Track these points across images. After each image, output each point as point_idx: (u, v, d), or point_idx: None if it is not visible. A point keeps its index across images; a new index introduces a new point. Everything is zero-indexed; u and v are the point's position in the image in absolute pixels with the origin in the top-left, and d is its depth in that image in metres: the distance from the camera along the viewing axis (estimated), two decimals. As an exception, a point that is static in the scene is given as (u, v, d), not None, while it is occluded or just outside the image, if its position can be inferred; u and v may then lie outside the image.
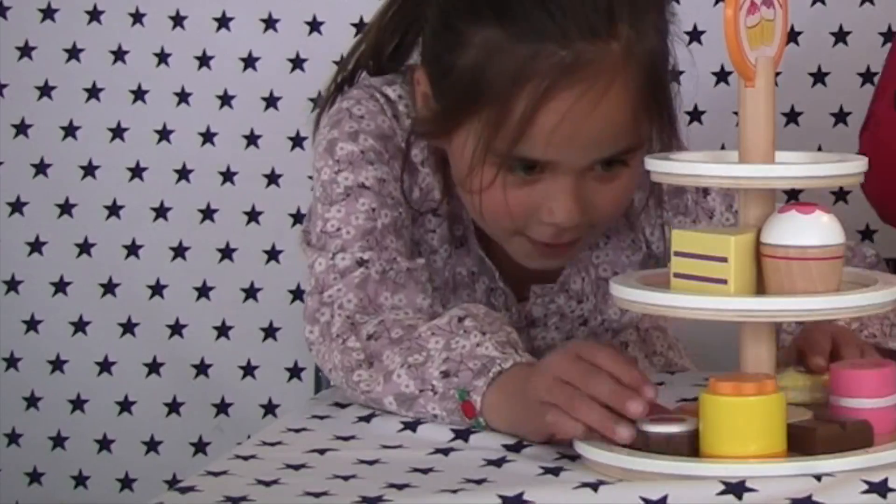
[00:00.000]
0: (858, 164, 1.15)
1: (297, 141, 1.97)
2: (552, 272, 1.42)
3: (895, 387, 1.16)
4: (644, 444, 1.10)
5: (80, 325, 2.04)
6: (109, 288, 2.02)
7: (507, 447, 1.18)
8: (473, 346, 1.22)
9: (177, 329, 2.02)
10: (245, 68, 1.96)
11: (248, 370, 2.01)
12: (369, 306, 1.30)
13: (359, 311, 1.29)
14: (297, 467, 1.14)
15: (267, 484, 1.10)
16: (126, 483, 2.03)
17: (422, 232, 1.39)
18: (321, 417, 1.27)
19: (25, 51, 2.01)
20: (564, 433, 1.13)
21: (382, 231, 1.33)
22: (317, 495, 1.07)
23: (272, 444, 1.20)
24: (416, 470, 1.13)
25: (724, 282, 1.12)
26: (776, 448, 1.09)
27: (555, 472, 1.12)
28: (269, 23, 1.96)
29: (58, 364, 2.04)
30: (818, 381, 1.21)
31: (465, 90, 1.28)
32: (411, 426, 1.23)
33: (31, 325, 2.05)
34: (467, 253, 1.40)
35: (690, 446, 1.10)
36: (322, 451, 1.18)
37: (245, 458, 1.16)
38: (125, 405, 2.03)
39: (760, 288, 1.13)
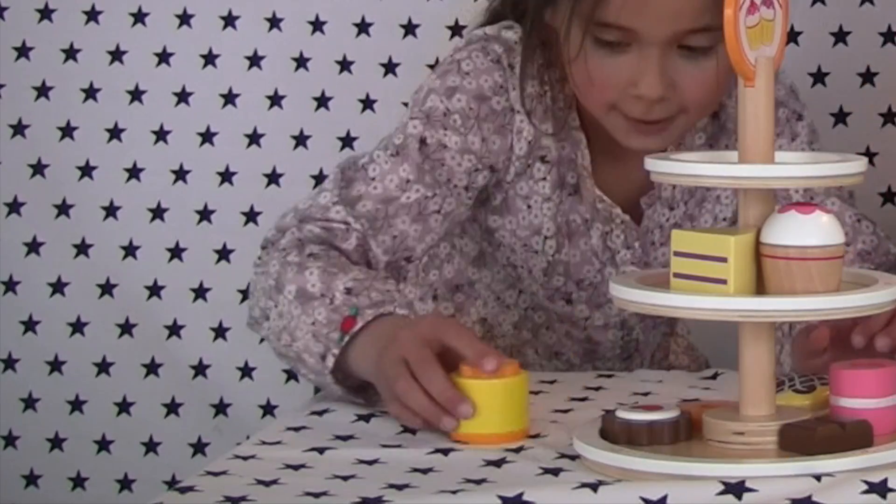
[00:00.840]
0: (858, 165, 1.15)
1: (300, 139, 1.97)
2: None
3: (895, 387, 1.17)
4: (626, 433, 1.13)
5: (77, 326, 2.03)
6: (107, 289, 2.02)
7: (508, 448, 1.18)
8: (384, 283, 1.30)
9: (175, 330, 2.01)
10: (250, 67, 1.96)
11: (246, 371, 2.01)
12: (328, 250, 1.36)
13: (315, 242, 1.36)
14: (296, 467, 1.14)
15: (266, 484, 1.10)
16: (125, 484, 2.03)
17: (531, 183, 1.43)
18: (320, 416, 1.27)
19: (23, 51, 2.01)
20: (405, 422, 1.22)
21: (399, 208, 1.37)
22: (316, 495, 1.07)
23: (271, 444, 1.20)
24: (415, 470, 1.13)
25: (724, 282, 1.12)
26: (516, 427, 1.18)
27: (554, 472, 1.11)
28: (274, 22, 1.96)
29: (56, 365, 2.04)
30: (818, 399, 1.20)
31: None
32: (410, 429, 1.23)
33: (30, 325, 2.04)
34: (580, 200, 1.45)
35: (672, 434, 1.13)
36: (321, 451, 1.18)
37: (244, 458, 1.16)
38: (123, 406, 2.03)
39: (760, 288, 1.13)
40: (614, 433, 1.14)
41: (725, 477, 1.06)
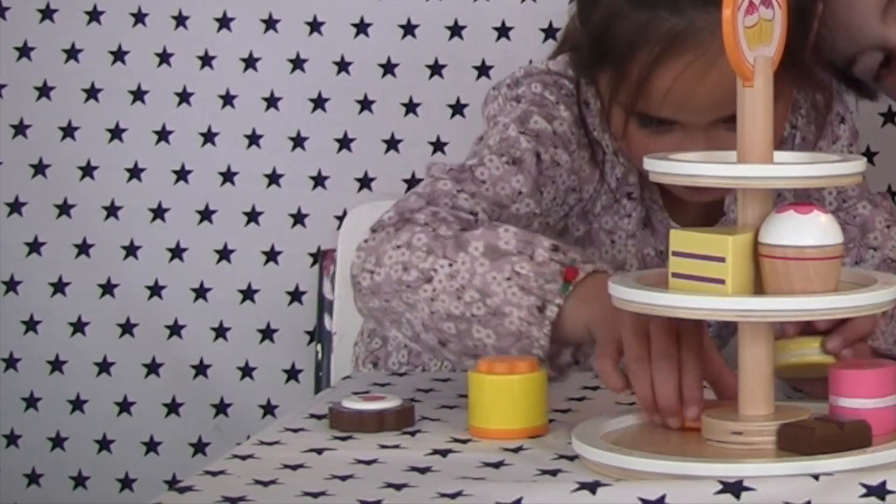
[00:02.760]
0: (857, 164, 1.15)
1: (298, 141, 1.97)
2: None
3: (894, 387, 1.16)
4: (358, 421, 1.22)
5: (79, 326, 2.04)
6: (108, 288, 2.02)
7: (505, 449, 1.18)
8: (580, 253, 1.26)
9: (175, 330, 2.02)
10: (246, 68, 1.96)
11: (247, 371, 2.01)
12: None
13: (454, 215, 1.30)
14: (294, 467, 1.14)
15: (265, 484, 1.10)
16: (126, 483, 2.03)
17: (616, 219, 1.44)
18: (319, 417, 1.27)
19: (24, 51, 2.01)
20: (606, 383, 1.19)
21: (510, 216, 1.34)
22: (315, 495, 1.07)
23: (270, 444, 1.20)
24: (413, 469, 1.13)
25: (722, 282, 1.12)
26: (532, 423, 1.19)
27: (553, 472, 1.11)
28: (270, 23, 1.96)
29: (57, 364, 2.04)
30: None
31: (594, 44, 1.35)
32: (410, 432, 1.23)
33: (31, 325, 2.05)
34: (652, 233, 1.46)
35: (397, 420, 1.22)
36: (320, 451, 1.18)
37: (243, 458, 1.16)
38: (124, 406, 2.03)
39: (758, 288, 1.13)
40: (343, 422, 1.21)
41: (724, 477, 1.06)
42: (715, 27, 1.27)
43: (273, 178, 1.98)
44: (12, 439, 2.04)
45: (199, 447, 2.02)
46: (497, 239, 1.25)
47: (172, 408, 2.02)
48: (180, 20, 1.97)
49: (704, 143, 1.35)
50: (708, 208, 1.46)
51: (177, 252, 2.01)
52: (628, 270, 1.44)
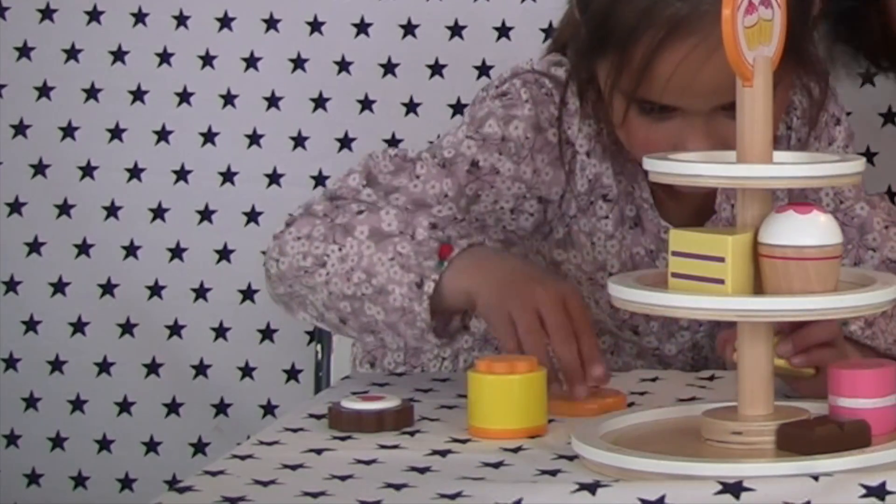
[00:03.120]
0: (856, 164, 1.15)
1: (299, 141, 1.97)
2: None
3: (894, 387, 1.17)
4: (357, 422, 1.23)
5: (79, 326, 2.04)
6: (108, 288, 2.02)
7: (505, 449, 1.18)
8: (461, 224, 1.35)
9: (175, 330, 2.02)
10: (247, 68, 1.96)
11: (247, 371, 2.01)
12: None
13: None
14: (294, 467, 1.14)
15: (264, 484, 1.10)
16: (126, 483, 2.03)
17: (594, 221, 1.45)
18: (318, 417, 1.27)
19: (24, 51, 2.01)
20: (505, 349, 1.26)
21: (426, 216, 1.36)
22: (314, 495, 1.07)
23: (269, 444, 1.20)
24: (413, 469, 1.13)
25: (722, 282, 1.12)
26: (532, 423, 1.20)
27: (552, 472, 1.11)
28: (271, 23, 1.96)
29: (57, 364, 2.04)
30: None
31: (595, 31, 1.35)
32: (409, 432, 1.23)
33: (31, 325, 2.04)
34: (642, 232, 1.46)
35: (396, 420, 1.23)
36: (319, 452, 1.18)
37: (242, 458, 1.16)
38: (124, 406, 2.03)
39: (758, 288, 1.13)
40: (342, 422, 1.22)
41: (723, 477, 1.06)
42: (718, 12, 1.27)
43: (274, 178, 1.98)
44: (12, 439, 2.04)
45: (199, 447, 2.02)
46: (380, 222, 1.32)
47: (172, 408, 2.02)
48: (181, 20, 1.97)
49: (704, 131, 1.35)
50: (698, 208, 1.46)
51: (177, 252, 2.01)
52: (610, 272, 1.44)
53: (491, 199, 1.40)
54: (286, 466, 1.14)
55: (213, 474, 1.12)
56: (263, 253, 2.01)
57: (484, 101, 1.45)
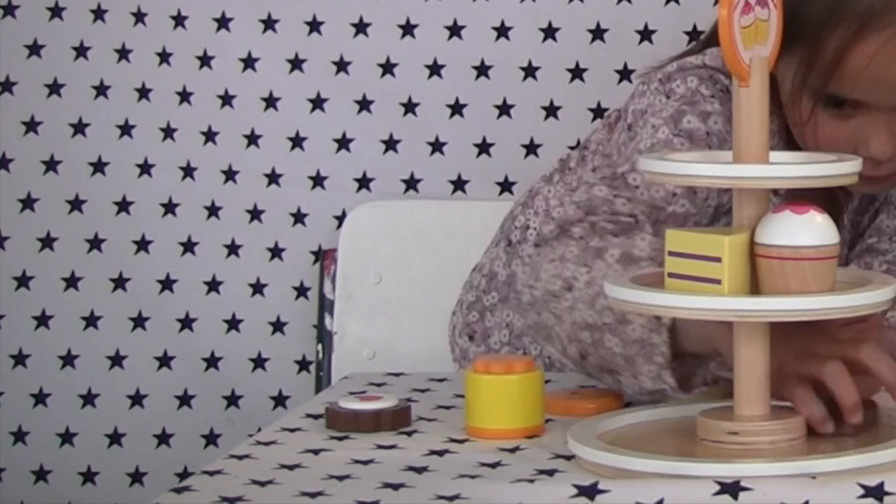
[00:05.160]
0: (853, 165, 1.15)
1: (297, 141, 1.97)
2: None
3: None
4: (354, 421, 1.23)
5: (91, 320, 2.05)
6: (120, 283, 2.03)
7: (502, 449, 1.18)
8: (669, 212, 1.33)
9: (187, 323, 2.03)
10: (244, 69, 1.96)
11: (258, 363, 2.02)
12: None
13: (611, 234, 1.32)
14: (291, 467, 1.14)
15: (262, 484, 1.10)
16: (136, 477, 2.04)
17: None
18: (315, 417, 1.28)
19: (34, 48, 2.02)
20: (807, 413, 1.15)
21: (668, 216, 1.36)
22: (312, 495, 1.07)
23: (267, 444, 1.21)
24: (410, 469, 1.13)
25: (718, 282, 1.12)
26: (529, 423, 1.19)
27: (549, 473, 1.12)
28: (269, 23, 1.96)
29: (69, 359, 2.05)
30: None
31: (787, 23, 1.31)
32: (406, 432, 1.24)
33: (42, 320, 2.06)
34: None
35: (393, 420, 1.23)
36: (317, 452, 1.18)
37: (240, 458, 1.17)
38: (136, 399, 2.04)
39: (754, 288, 1.13)
40: (340, 422, 1.22)
41: (721, 477, 1.06)
42: None
43: (273, 178, 1.98)
44: (20, 436, 2.05)
45: (211, 439, 2.03)
46: (633, 247, 1.28)
47: (184, 400, 2.03)
48: (179, 20, 1.97)
49: (887, 129, 1.36)
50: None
51: (188, 246, 2.01)
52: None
53: (703, 195, 1.39)
54: (284, 466, 1.14)
55: (211, 474, 1.13)
56: (270, 250, 2.05)
57: (646, 95, 1.43)
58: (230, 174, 1.99)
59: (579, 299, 1.25)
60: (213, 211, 2.00)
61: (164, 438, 2.04)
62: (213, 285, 2.01)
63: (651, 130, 1.40)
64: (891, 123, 1.37)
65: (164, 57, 1.98)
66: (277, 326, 2.00)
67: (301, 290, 1.98)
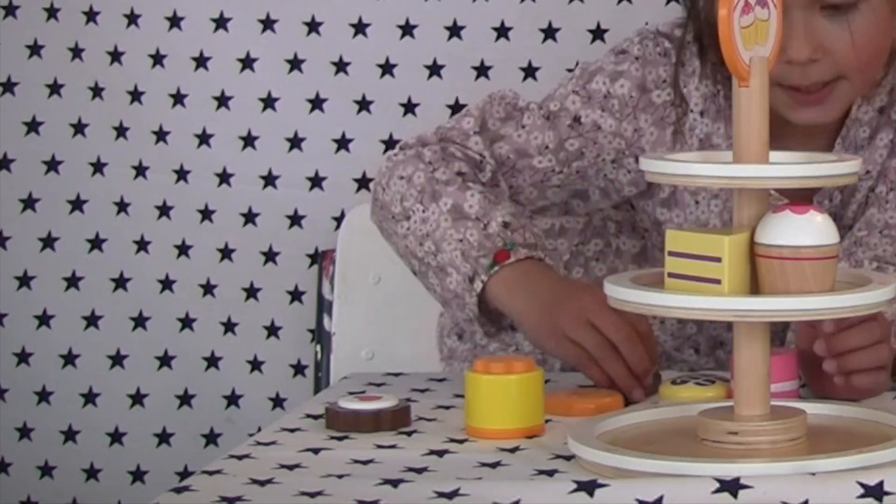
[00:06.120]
0: (852, 165, 1.14)
1: (295, 142, 1.97)
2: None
3: (795, 372, 1.23)
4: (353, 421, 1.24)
5: (92, 320, 2.05)
6: (120, 283, 2.04)
7: (502, 448, 1.18)
8: (534, 229, 1.41)
9: (187, 323, 2.03)
10: (242, 69, 1.96)
11: (255, 365, 2.02)
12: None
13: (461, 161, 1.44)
14: (291, 467, 1.15)
15: (262, 483, 1.10)
16: (137, 476, 2.05)
17: None
18: (315, 417, 1.28)
19: (35, 49, 2.02)
20: (594, 381, 1.31)
21: (527, 167, 1.43)
22: (312, 495, 1.07)
23: (267, 444, 1.21)
24: (410, 469, 1.13)
25: (718, 282, 1.12)
26: (528, 423, 1.21)
27: (549, 473, 1.12)
28: (267, 23, 1.95)
29: (70, 358, 2.06)
30: (718, 392, 1.26)
31: None
32: (406, 432, 1.24)
33: (44, 320, 2.06)
34: None
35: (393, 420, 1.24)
36: (316, 451, 1.19)
37: (240, 458, 1.17)
38: (137, 398, 2.05)
39: (754, 288, 1.13)
40: (339, 422, 1.23)
41: (720, 476, 1.06)
42: None
43: (269, 180, 1.98)
44: (25, 432, 2.06)
45: (212, 438, 2.03)
46: (464, 201, 1.39)
47: (185, 399, 2.03)
48: (174, 21, 1.96)
49: (803, 28, 1.37)
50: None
51: (183, 249, 2.01)
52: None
53: (594, 154, 1.45)
54: (283, 466, 1.15)
55: (211, 474, 1.13)
56: (264, 254, 2.05)
57: (609, 55, 1.48)
58: (224, 177, 1.98)
59: (412, 232, 1.40)
60: (206, 214, 2.00)
61: (164, 437, 2.04)
62: (210, 288, 2.01)
63: (564, 82, 1.47)
64: (807, 25, 1.37)
65: (157, 59, 1.97)
66: (272, 331, 2.00)
67: (296, 295, 1.98)
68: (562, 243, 1.54)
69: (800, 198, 1.39)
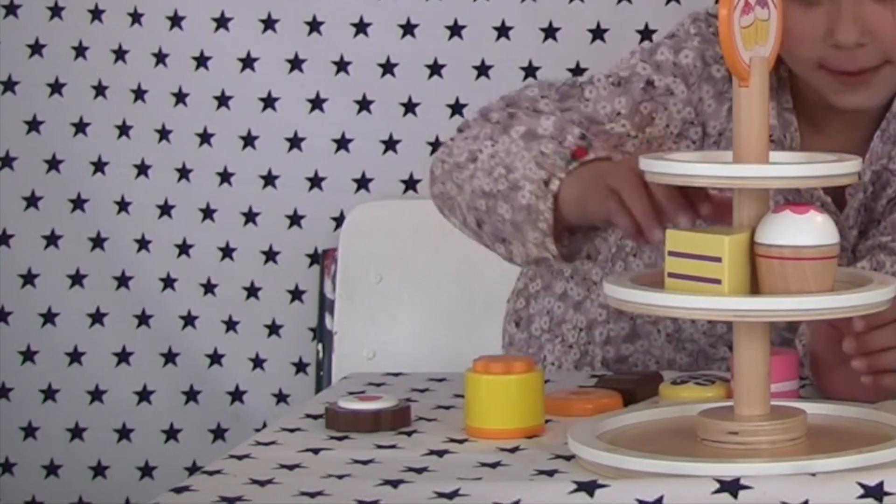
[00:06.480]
0: (853, 164, 1.14)
1: (295, 142, 1.97)
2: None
3: (796, 372, 1.22)
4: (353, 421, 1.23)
5: (96, 317, 2.05)
6: (123, 281, 2.04)
7: (502, 448, 1.19)
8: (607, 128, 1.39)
9: (189, 320, 2.03)
10: (243, 69, 1.96)
11: (258, 363, 2.02)
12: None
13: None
14: (291, 467, 1.15)
15: (262, 484, 1.11)
16: (146, 471, 2.05)
17: None
18: (315, 417, 1.28)
19: (36, 48, 2.03)
20: (616, 220, 1.24)
21: (600, 132, 1.40)
22: (312, 495, 1.07)
23: (266, 444, 1.21)
24: (410, 469, 1.13)
25: (718, 281, 1.12)
26: (529, 423, 1.20)
27: (549, 473, 1.12)
28: (269, 23, 1.96)
29: (75, 356, 2.06)
30: (718, 392, 1.25)
31: None
32: (406, 432, 1.24)
33: (48, 318, 2.06)
34: None
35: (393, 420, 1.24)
36: (316, 451, 1.19)
37: (239, 458, 1.17)
38: (143, 395, 2.05)
39: (755, 287, 1.13)
40: (339, 422, 1.23)
41: (720, 476, 1.06)
42: None
43: (269, 180, 1.98)
44: (30, 431, 2.06)
45: (219, 433, 2.03)
46: (538, 125, 1.35)
47: (191, 395, 2.04)
48: (175, 20, 1.97)
49: (851, 12, 1.36)
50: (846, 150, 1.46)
51: (184, 248, 2.02)
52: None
53: (664, 123, 1.44)
54: (283, 466, 1.15)
55: (211, 474, 1.13)
56: (264, 253, 2.05)
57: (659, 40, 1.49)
58: (225, 176, 1.98)
59: (480, 168, 1.34)
60: (207, 213, 2.00)
61: (172, 433, 2.05)
62: (211, 287, 2.01)
63: (627, 56, 1.46)
64: (856, 9, 1.37)
65: (159, 58, 1.98)
66: (273, 329, 2.00)
67: (296, 294, 1.98)
68: (610, 234, 1.51)
69: (830, 190, 1.42)
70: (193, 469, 1.99)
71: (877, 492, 1.04)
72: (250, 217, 1.99)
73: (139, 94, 1.99)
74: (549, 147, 1.32)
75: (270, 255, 1.99)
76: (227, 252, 2.00)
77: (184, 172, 2.00)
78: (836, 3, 1.37)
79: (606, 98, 1.43)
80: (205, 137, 1.99)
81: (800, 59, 1.40)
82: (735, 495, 1.04)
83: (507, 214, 1.32)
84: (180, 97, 1.98)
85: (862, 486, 1.05)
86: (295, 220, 1.97)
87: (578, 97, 1.43)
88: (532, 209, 1.30)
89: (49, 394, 2.06)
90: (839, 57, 1.38)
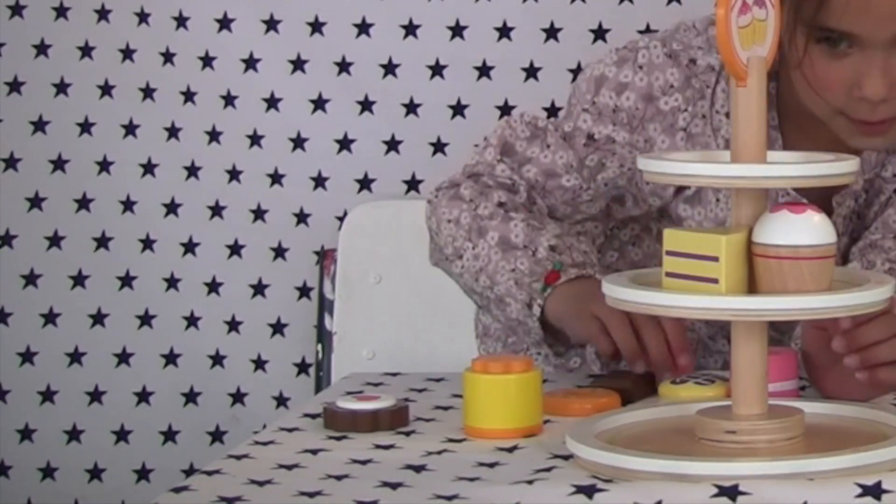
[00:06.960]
0: (851, 164, 1.15)
1: (298, 142, 1.97)
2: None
3: (794, 371, 1.23)
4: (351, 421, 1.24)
5: (98, 318, 2.05)
6: (126, 281, 2.04)
7: (500, 448, 1.19)
8: (580, 244, 1.43)
9: (192, 321, 2.03)
10: (246, 69, 1.97)
11: (259, 364, 2.02)
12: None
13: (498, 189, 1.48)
14: (290, 467, 1.15)
15: (260, 484, 1.11)
16: (142, 474, 2.05)
17: None
18: (313, 417, 1.28)
19: (41, 48, 2.03)
20: (599, 347, 1.34)
21: (557, 187, 1.47)
22: (311, 495, 1.08)
23: (265, 444, 1.21)
24: (409, 469, 1.13)
25: (716, 281, 1.12)
26: (527, 423, 1.21)
27: (547, 472, 1.12)
28: (271, 24, 1.96)
29: (76, 356, 2.06)
30: (718, 391, 1.26)
31: None
32: (404, 432, 1.24)
33: (50, 318, 2.06)
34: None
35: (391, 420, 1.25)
36: (315, 452, 1.19)
37: (238, 458, 1.17)
38: (143, 396, 2.05)
39: (752, 287, 1.13)
40: (337, 422, 1.23)
41: (719, 476, 1.06)
42: None
43: (275, 178, 1.98)
44: (26, 434, 2.06)
45: (217, 435, 2.04)
46: (509, 232, 1.43)
47: (190, 397, 2.04)
48: (181, 21, 1.97)
49: (882, 68, 1.35)
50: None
51: (189, 247, 2.02)
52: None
53: (616, 164, 1.47)
54: (282, 466, 1.15)
55: (210, 474, 1.13)
56: (272, 249, 2.06)
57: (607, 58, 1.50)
58: (234, 174, 1.99)
59: (466, 269, 1.45)
60: (216, 211, 2.00)
61: (170, 435, 2.05)
62: (215, 286, 2.01)
63: (577, 99, 1.49)
64: (885, 63, 1.36)
65: (167, 57, 1.98)
66: (277, 328, 2.00)
67: (304, 291, 1.98)
68: (595, 226, 1.54)
69: (818, 197, 1.41)
70: (190, 472, 1.99)
71: (875, 491, 1.04)
72: (259, 214, 1.99)
73: (147, 92, 2.00)
74: (524, 264, 1.40)
75: (279, 252, 1.99)
76: (234, 249, 2.01)
77: (192, 170, 2.00)
78: (866, 56, 1.36)
79: (562, 148, 1.47)
80: (213, 136, 1.99)
81: (821, 104, 1.40)
82: (734, 498, 1.04)
83: (501, 317, 1.44)
84: (188, 96, 1.98)
85: (860, 485, 1.05)
86: (301, 218, 1.97)
87: (542, 141, 1.47)
88: (522, 323, 1.41)
89: (47, 395, 2.06)
90: (862, 108, 1.38)
